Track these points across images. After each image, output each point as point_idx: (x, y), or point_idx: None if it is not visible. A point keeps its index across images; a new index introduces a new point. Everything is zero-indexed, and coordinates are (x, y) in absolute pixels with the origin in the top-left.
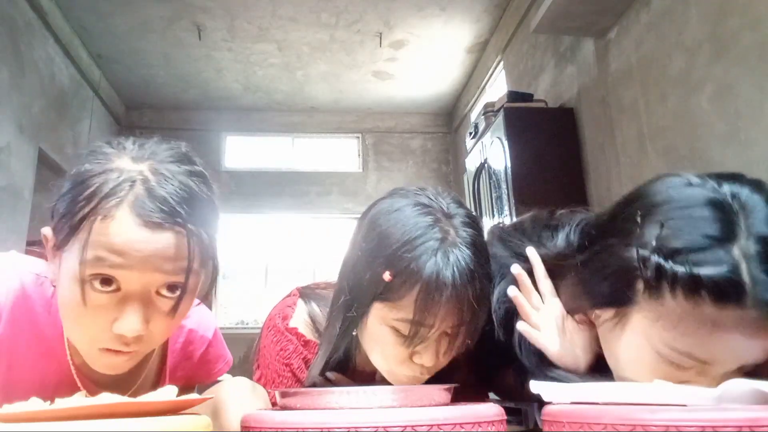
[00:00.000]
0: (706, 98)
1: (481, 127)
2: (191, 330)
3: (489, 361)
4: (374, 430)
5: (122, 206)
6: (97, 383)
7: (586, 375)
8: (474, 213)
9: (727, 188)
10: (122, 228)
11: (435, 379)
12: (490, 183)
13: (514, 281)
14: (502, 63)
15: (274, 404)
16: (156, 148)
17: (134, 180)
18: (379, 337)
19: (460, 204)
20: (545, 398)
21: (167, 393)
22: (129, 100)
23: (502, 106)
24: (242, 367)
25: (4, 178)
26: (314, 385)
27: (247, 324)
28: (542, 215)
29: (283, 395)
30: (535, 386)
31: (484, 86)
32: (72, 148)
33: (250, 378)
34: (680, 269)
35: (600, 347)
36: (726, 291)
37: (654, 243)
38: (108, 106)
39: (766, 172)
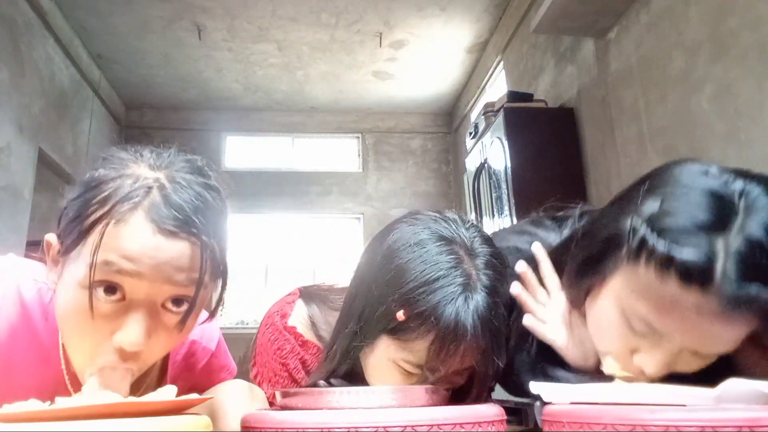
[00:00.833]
0: (706, 98)
1: (481, 127)
2: (194, 341)
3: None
4: (374, 430)
5: (137, 211)
6: None
7: (594, 371)
8: (498, 250)
9: (739, 185)
10: (135, 233)
11: None
12: (490, 183)
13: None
14: (502, 63)
15: (271, 404)
16: (174, 158)
17: (150, 186)
18: (384, 371)
19: (485, 239)
20: (545, 398)
21: (167, 393)
22: (129, 100)
23: (502, 106)
24: (242, 367)
25: (4, 178)
26: (315, 384)
27: (247, 324)
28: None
29: (284, 395)
30: (535, 386)
31: (484, 86)
32: (72, 148)
33: (248, 376)
34: (659, 245)
35: None
36: (692, 275)
37: (648, 215)
38: (108, 106)
39: (766, 172)
